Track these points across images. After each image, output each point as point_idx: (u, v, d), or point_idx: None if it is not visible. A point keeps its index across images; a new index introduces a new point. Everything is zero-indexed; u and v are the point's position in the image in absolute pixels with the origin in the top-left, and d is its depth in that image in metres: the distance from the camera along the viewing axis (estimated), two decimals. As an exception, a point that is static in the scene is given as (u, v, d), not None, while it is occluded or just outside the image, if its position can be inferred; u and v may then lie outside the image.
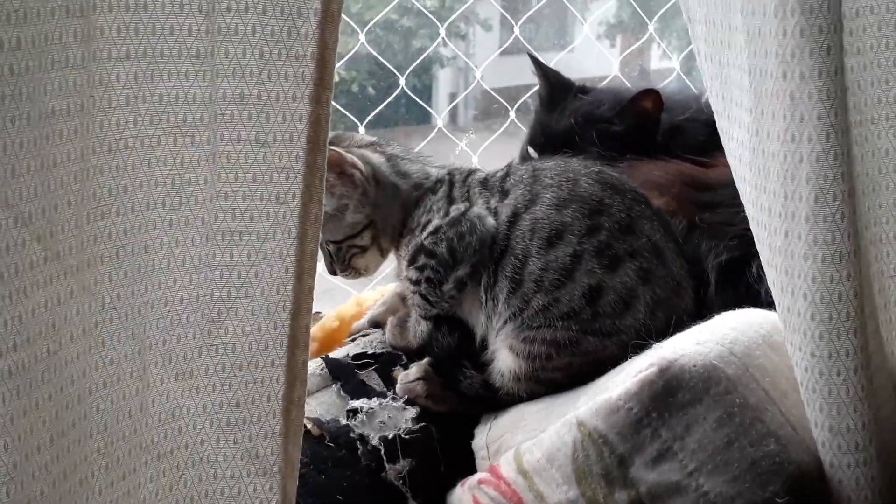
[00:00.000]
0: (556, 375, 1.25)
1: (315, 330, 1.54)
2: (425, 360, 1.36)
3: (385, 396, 1.32)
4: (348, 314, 1.60)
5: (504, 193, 1.33)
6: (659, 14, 2.37)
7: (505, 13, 2.45)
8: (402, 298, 1.47)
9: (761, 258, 1.07)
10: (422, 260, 1.33)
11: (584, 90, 1.74)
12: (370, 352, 1.40)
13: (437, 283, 1.32)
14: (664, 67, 2.73)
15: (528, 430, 1.20)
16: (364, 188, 1.38)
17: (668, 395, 1.05)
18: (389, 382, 1.36)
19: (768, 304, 1.27)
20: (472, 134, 1.88)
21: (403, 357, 1.40)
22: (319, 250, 1.32)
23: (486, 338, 1.33)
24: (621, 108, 1.65)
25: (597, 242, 1.25)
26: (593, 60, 2.19)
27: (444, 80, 2.95)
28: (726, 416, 1.05)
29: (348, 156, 1.37)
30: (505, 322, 1.29)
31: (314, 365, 1.36)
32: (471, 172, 1.40)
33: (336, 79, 0.96)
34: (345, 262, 1.43)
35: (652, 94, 1.65)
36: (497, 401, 1.29)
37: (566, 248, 1.25)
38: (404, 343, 1.40)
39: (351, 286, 1.80)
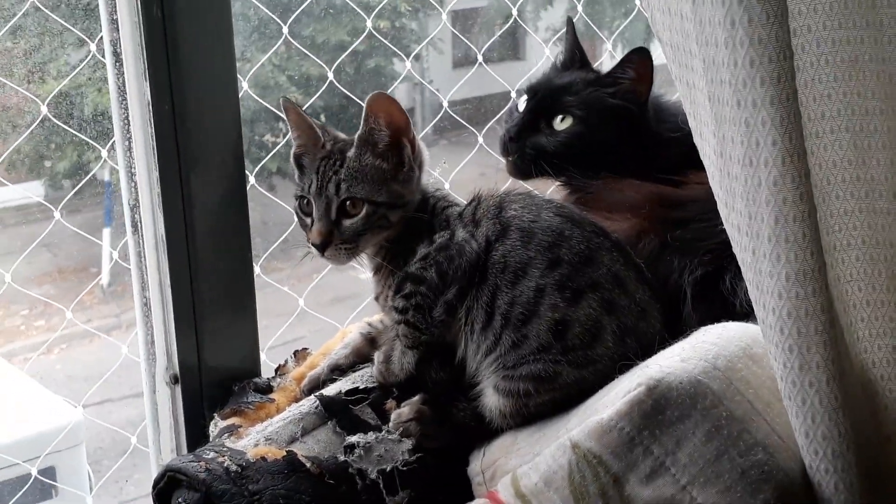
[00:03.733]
0: (542, 411, 1.42)
1: (303, 369, 1.70)
2: (417, 398, 1.53)
3: (380, 430, 1.50)
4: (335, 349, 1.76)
5: (476, 223, 1.49)
6: (608, 21, 2.59)
7: (456, 32, 2.69)
8: (371, 339, 1.65)
9: (742, 272, 1.23)
10: (409, 287, 1.50)
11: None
12: (362, 386, 1.57)
13: (426, 308, 1.48)
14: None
15: (521, 454, 1.37)
16: (415, 167, 1.54)
17: (658, 413, 1.23)
18: (383, 415, 1.53)
19: (744, 315, 1.48)
20: (445, 163, 2.08)
21: (395, 389, 1.57)
22: (322, 221, 1.49)
23: (472, 367, 1.49)
24: (614, 67, 1.90)
25: (558, 276, 1.41)
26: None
27: (399, 97, 3.19)
28: (714, 429, 1.22)
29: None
30: (485, 354, 1.46)
31: (308, 403, 1.53)
32: (446, 206, 1.57)
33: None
34: (357, 234, 1.50)
35: (642, 50, 1.87)
36: (489, 432, 1.47)
37: (529, 282, 1.42)
38: (392, 379, 1.56)
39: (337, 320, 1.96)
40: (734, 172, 1.15)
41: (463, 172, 2.30)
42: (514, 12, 2.54)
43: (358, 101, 2.09)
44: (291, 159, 1.59)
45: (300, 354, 1.81)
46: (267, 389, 1.67)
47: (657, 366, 1.26)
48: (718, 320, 1.45)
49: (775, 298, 1.14)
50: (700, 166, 1.87)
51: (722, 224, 1.62)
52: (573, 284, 1.41)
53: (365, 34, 2.20)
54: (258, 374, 1.74)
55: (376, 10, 2.26)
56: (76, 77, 1.94)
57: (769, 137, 1.09)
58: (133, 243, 1.68)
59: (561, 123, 1.87)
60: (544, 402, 1.41)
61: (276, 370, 1.76)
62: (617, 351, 1.40)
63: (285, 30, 2.03)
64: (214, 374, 1.68)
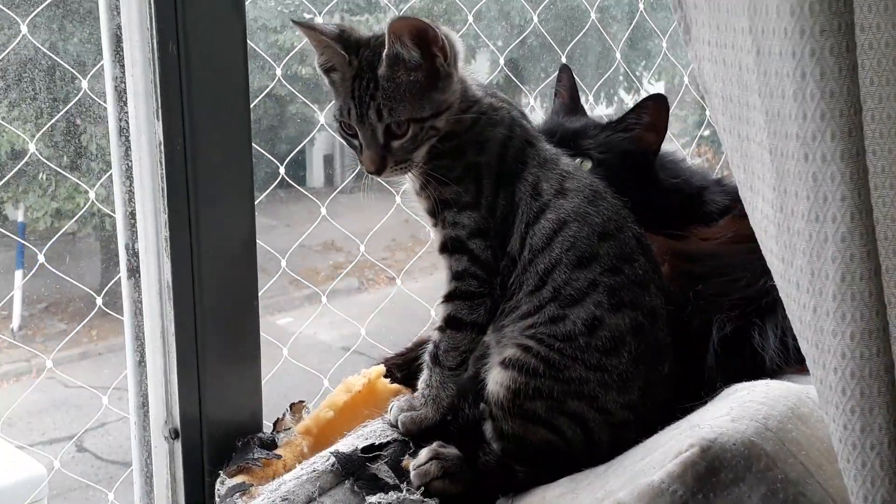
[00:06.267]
0: (535, 405, 1.44)
1: (309, 423, 1.64)
2: (435, 444, 1.50)
3: (400, 489, 1.44)
4: (340, 402, 1.71)
5: (562, 192, 1.52)
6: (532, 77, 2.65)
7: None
8: None
9: (793, 329, 1.21)
10: (464, 263, 1.53)
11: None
12: (377, 442, 1.51)
13: (488, 263, 1.53)
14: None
15: (555, 514, 1.32)
16: (451, 69, 1.52)
17: (712, 476, 1.19)
18: (400, 473, 1.48)
19: (773, 371, 1.46)
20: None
21: (411, 444, 1.52)
22: (372, 149, 1.47)
23: (499, 326, 1.54)
24: (629, 111, 1.92)
25: (613, 282, 1.48)
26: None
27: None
28: (770, 492, 1.19)
29: (440, 29, 1.49)
30: (522, 317, 1.49)
31: (324, 461, 1.47)
32: (528, 141, 1.58)
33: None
34: (409, 151, 1.50)
35: (658, 97, 1.89)
36: (513, 480, 1.44)
37: (589, 273, 1.47)
38: (427, 423, 1.55)
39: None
40: (796, 227, 1.12)
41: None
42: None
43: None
44: (318, 69, 1.54)
45: (296, 407, 1.75)
46: (272, 445, 1.60)
47: (707, 426, 1.23)
48: (746, 376, 1.43)
49: (838, 358, 1.12)
50: (700, 220, 1.92)
51: (744, 279, 1.63)
52: (621, 295, 1.47)
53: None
54: (260, 428, 1.68)
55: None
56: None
57: (838, 192, 1.07)
58: (129, 290, 1.60)
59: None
60: (543, 388, 1.44)
61: (275, 424, 1.70)
62: (625, 370, 1.45)
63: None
64: (216, 428, 1.61)
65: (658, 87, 4.47)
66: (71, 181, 2.33)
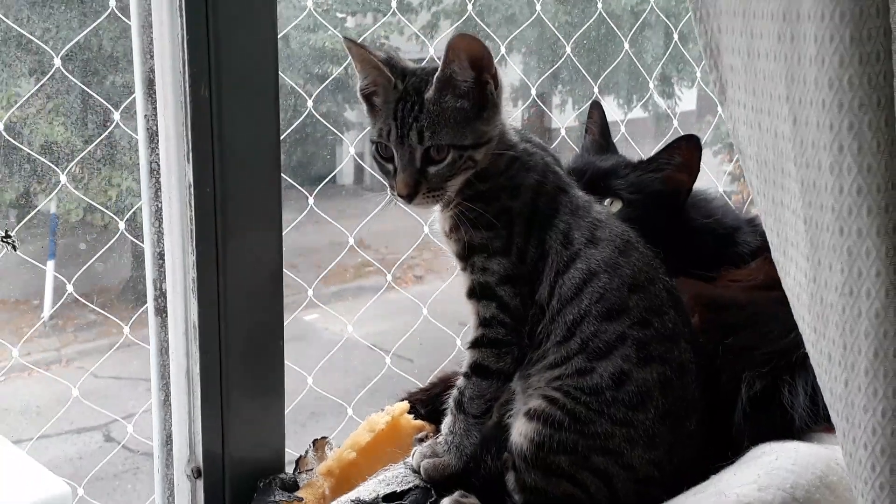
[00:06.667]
0: (559, 459, 1.43)
1: (331, 464, 1.63)
2: (457, 493, 1.49)
3: (422, 539, 1.43)
4: (363, 441, 1.70)
5: (593, 242, 1.50)
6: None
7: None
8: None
9: (823, 398, 1.19)
10: (492, 310, 1.51)
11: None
12: (399, 490, 1.50)
13: (518, 310, 1.51)
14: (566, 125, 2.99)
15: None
16: (498, 102, 1.51)
17: (738, 547, 1.18)
18: (422, 521, 1.47)
19: (801, 429, 1.44)
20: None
21: (433, 492, 1.51)
22: (407, 172, 1.45)
23: (525, 376, 1.52)
24: (660, 151, 1.90)
25: (642, 335, 1.46)
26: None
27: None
28: (796, 563, 1.17)
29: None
30: (549, 367, 1.48)
31: (345, 507, 1.46)
32: (561, 188, 1.56)
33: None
34: (444, 179, 1.48)
35: (691, 138, 1.87)
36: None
37: (618, 326, 1.46)
38: (449, 471, 1.54)
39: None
40: (829, 300, 1.11)
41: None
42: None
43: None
44: (359, 94, 1.53)
45: (319, 444, 1.74)
46: (293, 486, 1.60)
47: (734, 494, 1.22)
48: (775, 435, 1.42)
49: (868, 434, 1.10)
50: (731, 261, 1.89)
51: (775, 331, 1.61)
52: (650, 349, 1.45)
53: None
54: (282, 467, 1.67)
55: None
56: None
57: (873, 269, 1.05)
58: (156, 327, 1.60)
59: (611, 207, 1.84)
60: (567, 442, 1.43)
61: (297, 463, 1.69)
62: (652, 426, 1.43)
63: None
64: (239, 466, 1.61)
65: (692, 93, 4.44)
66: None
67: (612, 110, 3.38)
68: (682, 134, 1.93)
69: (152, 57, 1.47)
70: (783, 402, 1.50)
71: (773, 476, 1.24)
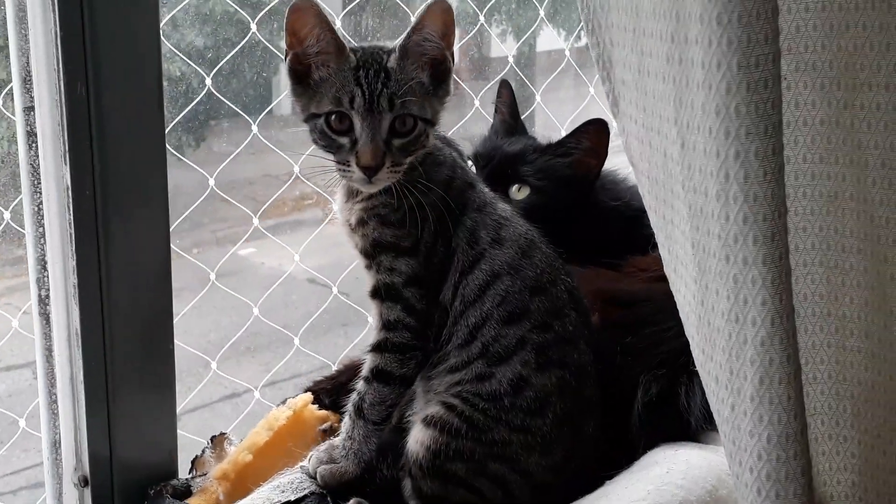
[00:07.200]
0: (455, 466, 1.41)
1: (226, 467, 1.59)
2: (353, 501, 1.47)
3: (316, 548, 1.41)
4: (261, 441, 1.66)
5: (498, 242, 1.47)
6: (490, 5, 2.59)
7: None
8: None
9: (714, 417, 1.18)
10: (398, 312, 1.47)
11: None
12: (293, 497, 1.47)
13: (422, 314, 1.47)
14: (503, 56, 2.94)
15: None
16: (450, 85, 1.46)
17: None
18: (316, 531, 1.45)
19: (697, 431, 1.45)
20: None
21: (329, 499, 1.48)
22: (375, 142, 1.37)
23: (426, 379, 1.50)
24: (568, 135, 1.89)
25: (542, 339, 1.44)
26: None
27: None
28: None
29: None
30: (449, 371, 1.45)
31: (236, 520, 1.43)
32: (469, 183, 1.53)
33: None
34: (406, 154, 1.41)
35: (599, 122, 1.86)
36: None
37: (518, 330, 1.43)
38: (346, 477, 1.51)
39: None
40: (716, 324, 1.10)
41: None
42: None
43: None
44: (289, 64, 1.41)
45: (217, 440, 1.70)
46: (186, 493, 1.56)
47: (623, 513, 1.21)
48: (671, 438, 1.42)
49: (754, 458, 1.10)
50: (639, 245, 1.88)
51: (673, 329, 1.60)
52: (549, 354, 1.43)
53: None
54: (176, 470, 1.63)
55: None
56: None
57: (759, 297, 1.04)
58: (40, 333, 1.54)
59: (518, 193, 1.82)
60: (464, 449, 1.40)
61: (192, 463, 1.65)
62: (549, 432, 1.42)
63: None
64: (128, 472, 1.56)
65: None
66: None
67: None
68: (591, 118, 1.90)
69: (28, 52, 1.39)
70: (679, 405, 1.50)
71: (664, 493, 1.24)
